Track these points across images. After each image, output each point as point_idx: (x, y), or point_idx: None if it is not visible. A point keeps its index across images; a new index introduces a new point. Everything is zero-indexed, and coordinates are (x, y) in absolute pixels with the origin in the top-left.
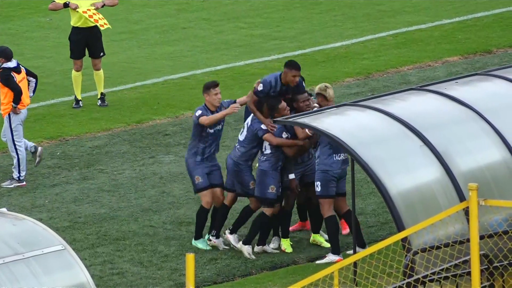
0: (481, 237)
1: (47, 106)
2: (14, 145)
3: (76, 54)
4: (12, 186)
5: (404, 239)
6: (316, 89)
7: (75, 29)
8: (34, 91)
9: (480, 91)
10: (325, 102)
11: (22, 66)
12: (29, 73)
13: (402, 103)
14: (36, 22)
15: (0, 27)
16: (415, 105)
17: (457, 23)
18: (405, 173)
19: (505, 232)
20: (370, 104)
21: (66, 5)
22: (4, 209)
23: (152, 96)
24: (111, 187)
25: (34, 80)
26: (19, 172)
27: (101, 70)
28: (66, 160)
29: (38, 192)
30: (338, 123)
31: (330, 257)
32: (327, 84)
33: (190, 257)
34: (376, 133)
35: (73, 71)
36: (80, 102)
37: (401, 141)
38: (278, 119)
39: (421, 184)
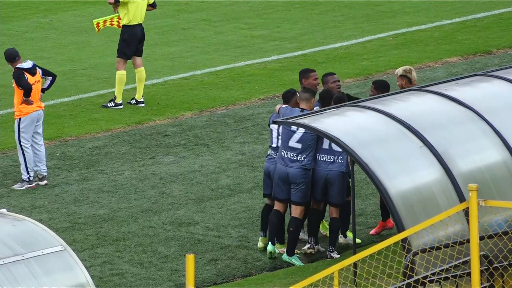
0: (481, 238)
1: (47, 107)
2: (20, 145)
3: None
4: (23, 188)
5: (404, 240)
6: (400, 71)
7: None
8: (48, 87)
9: (480, 91)
10: (408, 85)
11: (39, 68)
12: (46, 73)
13: (402, 103)
14: (35, 23)
15: None
16: (415, 106)
17: (457, 23)
18: (405, 173)
19: (505, 233)
20: (370, 104)
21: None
22: (4, 210)
23: (151, 97)
24: (111, 188)
25: (51, 78)
26: (27, 173)
27: (118, 71)
28: (66, 161)
29: (38, 193)
30: (338, 123)
31: None
32: (411, 67)
33: (190, 258)
34: (376, 133)
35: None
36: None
37: (400, 142)
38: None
39: (421, 184)
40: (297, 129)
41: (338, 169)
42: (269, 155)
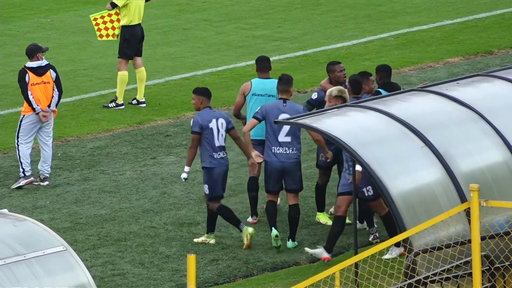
0: (483, 238)
1: None
2: (17, 140)
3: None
4: (21, 184)
5: (405, 240)
6: (335, 91)
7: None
8: (55, 105)
9: (481, 92)
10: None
11: (55, 72)
12: (57, 83)
13: (403, 104)
14: (37, 23)
15: (1, 28)
16: (416, 106)
17: (458, 24)
18: (406, 174)
19: (507, 233)
20: (371, 105)
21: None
22: (5, 210)
23: (153, 97)
24: (112, 188)
25: (58, 93)
26: (22, 167)
27: (120, 72)
28: (67, 161)
29: (39, 193)
30: (339, 124)
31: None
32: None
33: (191, 258)
34: (377, 134)
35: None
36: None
37: (402, 142)
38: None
39: (422, 185)
40: None
41: None
42: (216, 158)
